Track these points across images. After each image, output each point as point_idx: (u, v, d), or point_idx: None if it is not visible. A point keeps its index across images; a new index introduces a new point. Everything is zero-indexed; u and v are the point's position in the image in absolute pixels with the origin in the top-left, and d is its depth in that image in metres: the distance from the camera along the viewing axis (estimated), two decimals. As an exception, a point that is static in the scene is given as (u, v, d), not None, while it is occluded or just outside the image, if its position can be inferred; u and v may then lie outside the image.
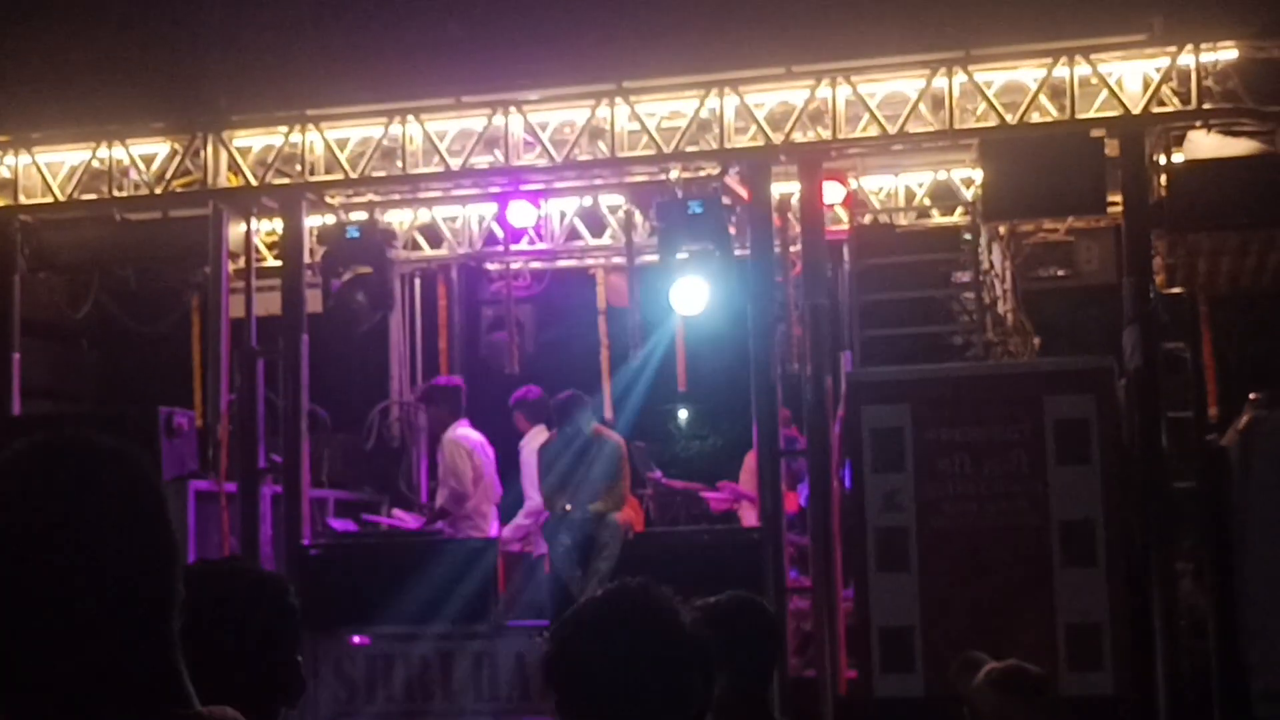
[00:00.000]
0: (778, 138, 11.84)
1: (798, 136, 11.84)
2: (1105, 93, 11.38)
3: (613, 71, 11.97)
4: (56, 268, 13.55)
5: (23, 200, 13.18)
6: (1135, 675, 10.68)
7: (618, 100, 12.04)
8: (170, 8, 12.82)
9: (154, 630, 1.85)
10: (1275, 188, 11.22)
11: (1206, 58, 11.21)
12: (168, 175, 12.93)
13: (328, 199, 13.12)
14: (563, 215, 14.84)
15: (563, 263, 15.28)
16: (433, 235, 15.12)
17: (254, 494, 12.38)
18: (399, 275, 14.70)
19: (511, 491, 13.48)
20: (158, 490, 1.91)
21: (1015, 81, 11.64)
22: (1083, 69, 11.33)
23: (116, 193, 13.05)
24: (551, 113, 12.42)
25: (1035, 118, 11.49)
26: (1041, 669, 6.41)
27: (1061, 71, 11.36)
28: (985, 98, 11.54)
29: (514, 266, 15.11)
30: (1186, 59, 11.19)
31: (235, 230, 12.90)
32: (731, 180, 12.47)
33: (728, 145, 11.96)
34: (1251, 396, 10.88)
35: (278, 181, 12.79)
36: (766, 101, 12.00)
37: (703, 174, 12.49)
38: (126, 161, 13.02)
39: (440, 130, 12.53)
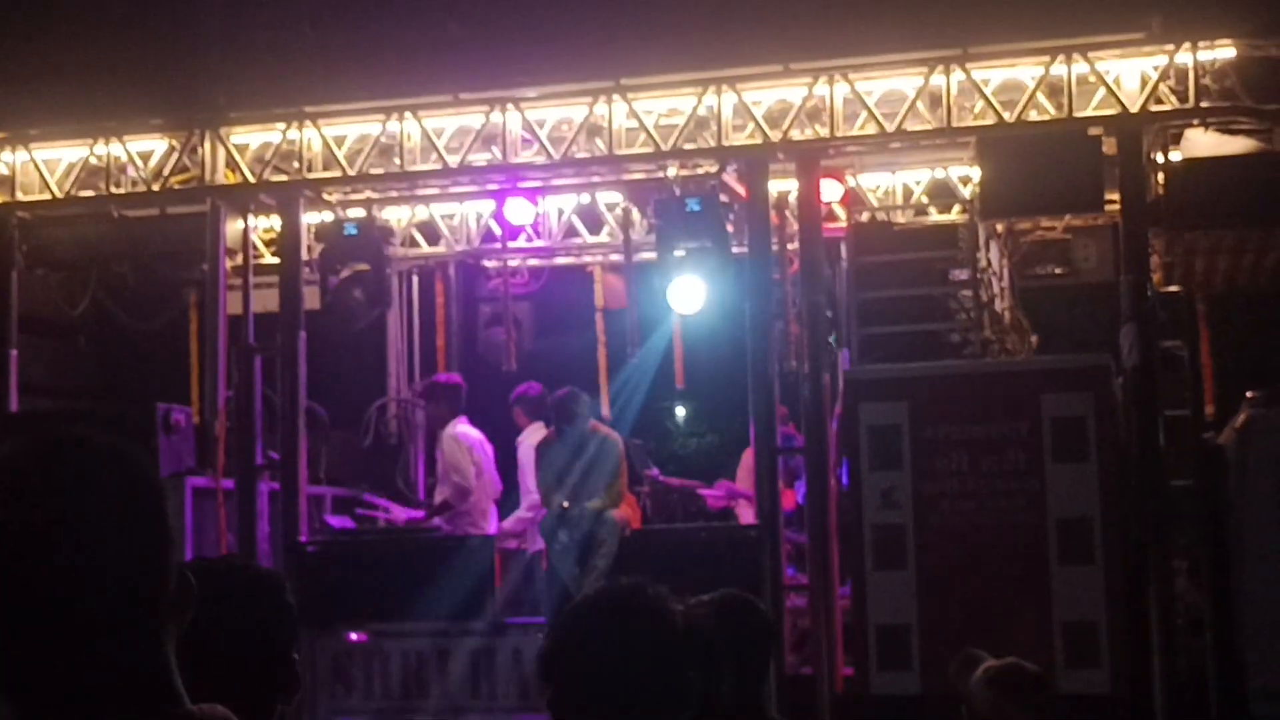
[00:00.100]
0: (775, 135, 11.84)
1: (795, 134, 11.84)
2: (1103, 91, 11.38)
3: (610, 69, 11.97)
4: (54, 264, 13.54)
5: (20, 197, 13.18)
6: (1132, 673, 10.69)
7: (615, 98, 12.04)
8: (168, 5, 12.81)
9: (146, 628, 1.85)
10: (1272, 186, 11.23)
11: (1204, 56, 11.21)
12: (165, 172, 12.92)
13: (325, 196, 13.12)
14: (560, 213, 14.84)
15: (560, 260, 15.29)
16: (430, 232, 15.12)
17: (251, 491, 12.38)
18: (397, 272, 14.69)
19: (510, 488, 13.49)
20: (157, 488, 1.91)
21: (1013, 79, 11.64)
22: (1080, 67, 11.33)
23: (114, 189, 13.05)
24: (549, 110, 12.42)
25: (1033, 116, 11.50)
26: (1039, 667, 6.41)
27: (1059, 69, 11.37)
28: (983, 96, 11.54)
29: (512, 264, 15.11)
30: (1184, 57, 11.19)
31: (233, 227, 12.90)
32: (729, 178, 12.47)
33: (725, 143, 11.96)
34: (1248, 395, 10.89)
35: (275, 178, 12.79)
36: (764, 99, 12.01)
37: (700, 172, 12.49)
38: (124, 158, 13.01)
39: (438, 127, 12.53)
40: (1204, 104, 11.23)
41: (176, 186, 12.92)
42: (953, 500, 11.02)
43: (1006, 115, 11.48)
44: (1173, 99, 11.33)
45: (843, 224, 13.43)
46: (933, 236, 13.41)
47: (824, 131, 11.81)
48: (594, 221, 14.86)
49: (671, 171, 12.53)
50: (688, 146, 12.14)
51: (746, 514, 13.64)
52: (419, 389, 14.68)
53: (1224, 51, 11.26)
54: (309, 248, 13.35)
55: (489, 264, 15.31)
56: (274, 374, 12.62)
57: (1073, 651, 10.61)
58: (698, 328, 14.65)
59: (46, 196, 13.14)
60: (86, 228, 13.29)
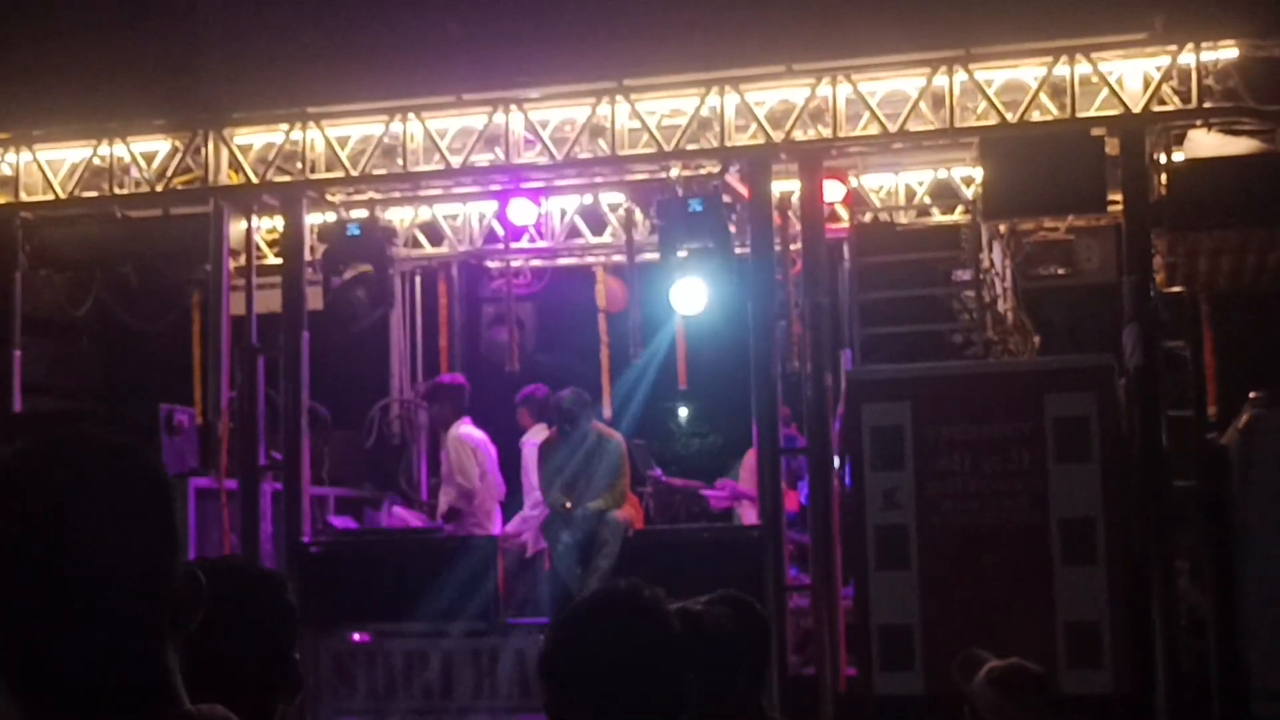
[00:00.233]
0: (778, 136, 11.84)
1: (798, 135, 11.84)
2: (1106, 91, 11.38)
3: (613, 69, 11.97)
4: (57, 265, 13.55)
5: (24, 197, 13.19)
6: (1135, 673, 10.69)
7: (618, 98, 12.04)
8: (171, 6, 12.82)
9: (148, 627, 1.85)
10: (1275, 186, 11.22)
11: (1207, 56, 11.20)
12: (169, 173, 12.93)
13: (328, 197, 13.13)
14: (563, 213, 14.85)
15: (563, 261, 15.29)
16: (433, 233, 15.13)
17: (254, 491, 12.38)
18: (399, 273, 14.71)
19: (513, 488, 13.50)
20: (164, 488, 1.91)
21: (1016, 80, 11.64)
22: (1083, 68, 11.33)
23: (117, 190, 13.06)
24: (552, 110, 12.42)
25: (1036, 116, 11.49)
26: (1041, 667, 6.41)
27: (1062, 70, 11.36)
28: (986, 96, 11.54)
29: (514, 264, 15.12)
30: (1187, 58, 11.18)
31: (236, 228, 12.91)
32: (732, 178, 12.47)
33: (728, 143, 11.96)
34: (1251, 395, 10.88)
35: (278, 179, 12.80)
36: (767, 100, 12.01)
37: (703, 172, 12.49)
38: (127, 159, 13.02)
39: (441, 128, 12.53)
40: (1207, 104, 11.22)
41: (180, 187, 12.92)
42: (955, 501, 11.01)
43: (1009, 116, 11.47)
44: (1175, 99, 11.32)
45: (845, 224, 13.43)
46: (935, 237, 13.42)
47: (827, 132, 11.81)
48: (597, 222, 14.86)
49: (674, 172, 12.53)
50: (690, 147, 12.14)
51: (749, 515, 13.64)
52: (422, 390, 14.69)
53: (1227, 52, 11.25)
54: (312, 248, 13.36)
55: (492, 265, 15.32)
56: (277, 374, 12.63)
57: (1075, 652, 10.60)
58: (700, 328, 14.65)
59: (50, 197, 13.15)
60: (90, 228, 13.30)
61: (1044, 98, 11.50)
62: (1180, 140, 11.67)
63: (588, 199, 14.52)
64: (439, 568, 11.97)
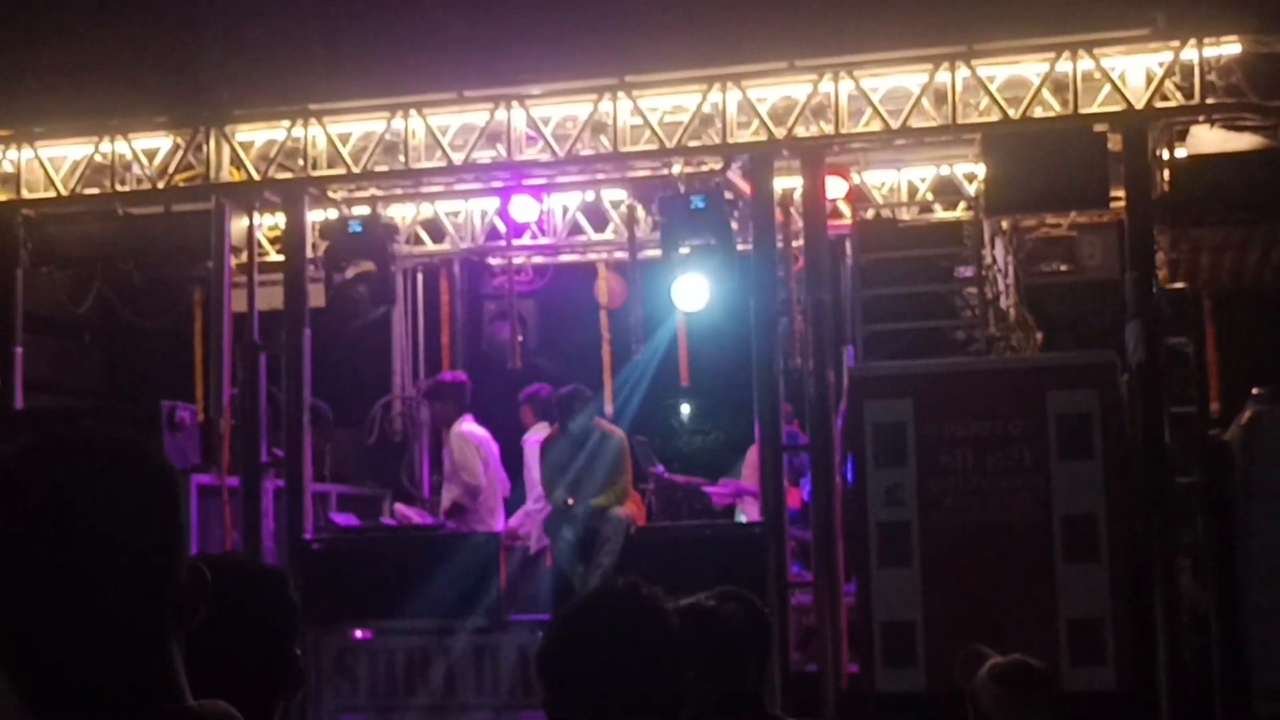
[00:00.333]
0: (780, 132, 11.83)
1: (800, 131, 11.83)
2: (1108, 87, 11.37)
3: (615, 66, 11.96)
4: (59, 262, 13.56)
5: (25, 195, 13.19)
6: (1137, 670, 10.68)
7: (620, 95, 12.03)
8: (173, 2, 12.82)
9: (152, 622, 1.85)
10: (1278, 182, 11.21)
11: (1209, 52, 11.19)
12: (170, 170, 12.93)
13: (330, 193, 13.12)
14: (565, 210, 14.84)
15: (565, 258, 15.29)
16: (435, 230, 15.12)
17: (256, 488, 12.39)
18: (401, 270, 14.70)
19: (515, 486, 13.50)
20: (170, 483, 1.91)
21: (1018, 76, 11.63)
22: (1086, 64, 11.32)
23: (119, 187, 13.06)
24: (554, 107, 12.42)
25: (1038, 112, 11.48)
26: (1044, 664, 6.40)
27: (1064, 66, 11.35)
28: (988, 92, 11.53)
29: (516, 261, 15.11)
30: (1189, 54, 11.17)
31: (238, 225, 12.90)
32: (734, 175, 12.46)
33: (730, 140, 11.95)
34: (1254, 391, 10.88)
35: (280, 176, 12.80)
36: (769, 96, 12.00)
37: (705, 169, 12.48)
38: (129, 156, 13.02)
39: (442, 125, 12.53)
40: (1209, 100, 11.21)
41: (181, 184, 12.92)
42: (958, 497, 11.01)
43: (1011, 112, 11.46)
44: (1178, 95, 11.31)
45: (847, 221, 13.42)
46: (937, 233, 13.41)
47: (829, 128, 11.80)
48: (599, 219, 14.85)
49: (676, 169, 12.52)
50: (692, 144, 12.13)
51: (751, 511, 13.63)
52: (424, 388, 14.68)
53: (1229, 48, 11.24)
54: (314, 245, 13.36)
55: (494, 261, 15.32)
56: (279, 371, 12.62)
57: (1078, 648, 10.60)
58: (702, 325, 14.64)
59: (51, 194, 13.15)
60: (91, 225, 13.30)
61: (1046, 94, 11.49)
62: (1183, 136, 11.67)
63: (589, 196, 14.51)
64: (441, 565, 11.97)
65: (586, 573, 11.63)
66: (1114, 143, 11.42)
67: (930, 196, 14.22)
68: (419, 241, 15.18)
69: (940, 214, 14.20)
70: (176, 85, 12.60)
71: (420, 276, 15.65)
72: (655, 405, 19.39)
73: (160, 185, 12.96)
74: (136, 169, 13.04)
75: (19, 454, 1.86)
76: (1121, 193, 11.51)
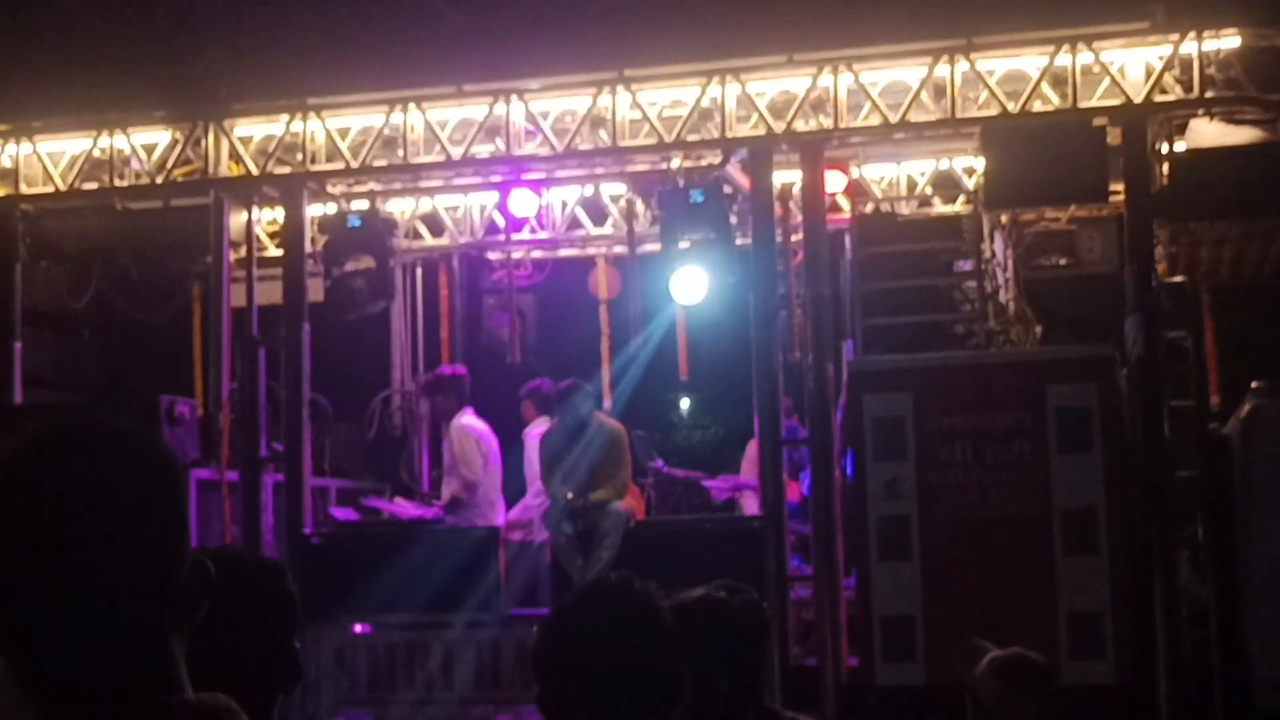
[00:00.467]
0: (779, 126, 11.83)
1: (799, 125, 11.82)
2: (1107, 81, 11.36)
3: (614, 60, 11.95)
4: (58, 257, 13.55)
5: (24, 189, 13.18)
6: (1137, 664, 10.69)
7: (619, 89, 12.03)
8: (171, -4, 12.81)
9: (152, 614, 1.84)
10: (1277, 176, 11.20)
11: (1209, 46, 11.18)
12: (169, 164, 12.92)
13: (329, 188, 13.12)
14: (564, 204, 14.84)
15: (564, 252, 15.29)
16: (434, 224, 15.12)
17: (256, 483, 12.38)
18: (400, 264, 14.70)
19: (513, 480, 13.50)
20: (173, 476, 1.90)
21: (1017, 70, 11.62)
22: (1085, 57, 11.31)
23: (118, 182, 13.05)
24: (553, 101, 12.41)
25: (1037, 106, 11.48)
26: (1043, 657, 6.40)
27: (1063, 60, 11.34)
28: (987, 86, 11.52)
29: (515, 255, 15.11)
30: (1189, 47, 11.17)
31: (236, 219, 12.90)
32: (733, 169, 12.46)
33: (729, 134, 11.94)
34: (1253, 385, 10.88)
35: (279, 170, 12.79)
36: (768, 90, 11.99)
37: (704, 163, 12.48)
38: (127, 150, 13.01)
39: (441, 119, 12.52)
40: (1209, 94, 11.20)
41: (180, 179, 12.92)
42: (957, 491, 11.01)
43: (1011, 106, 11.46)
44: (1177, 89, 11.30)
45: (847, 215, 13.42)
46: (937, 227, 13.40)
47: (828, 122, 11.79)
48: (598, 213, 14.85)
49: (675, 163, 12.52)
50: (691, 138, 12.13)
51: (751, 505, 13.63)
52: (423, 383, 14.68)
53: (1229, 41, 11.23)
54: (312, 240, 13.36)
55: (493, 256, 15.32)
56: (278, 366, 12.62)
57: (1077, 642, 10.60)
58: (702, 320, 14.64)
59: (50, 189, 13.14)
60: (90, 220, 13.29)
61: (1045, 87, 11.48)
62: (1182, 130, 11.66)
63: (589, 190, 14.51)
64: (440, 559, 11.97)
65: (585, 567, 11.63)
66: (1113, 136, 11.42)
67: (929, 190, 14.22)
68: (418, 236, 15.18)
69: (939, 208, 14.19)
70: (175, 79, 12.59)
71: (419, 271, 15.64)
72: (655, 399, 19.41)
73: (159, 180, 12.95)
74: (135, 163, 13.04)
75: (22, 446, 1.85)
76: (1120, 186, 11.51)
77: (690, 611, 3.85)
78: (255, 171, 12.75)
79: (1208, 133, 11.51)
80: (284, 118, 12.65)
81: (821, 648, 11.30)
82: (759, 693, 4.36)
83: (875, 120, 11.73)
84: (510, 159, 12.53)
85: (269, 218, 13.95)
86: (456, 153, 12.46)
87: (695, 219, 12.15)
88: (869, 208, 13.87)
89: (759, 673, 4.25)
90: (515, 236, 14.63)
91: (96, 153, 13.02)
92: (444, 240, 15.15)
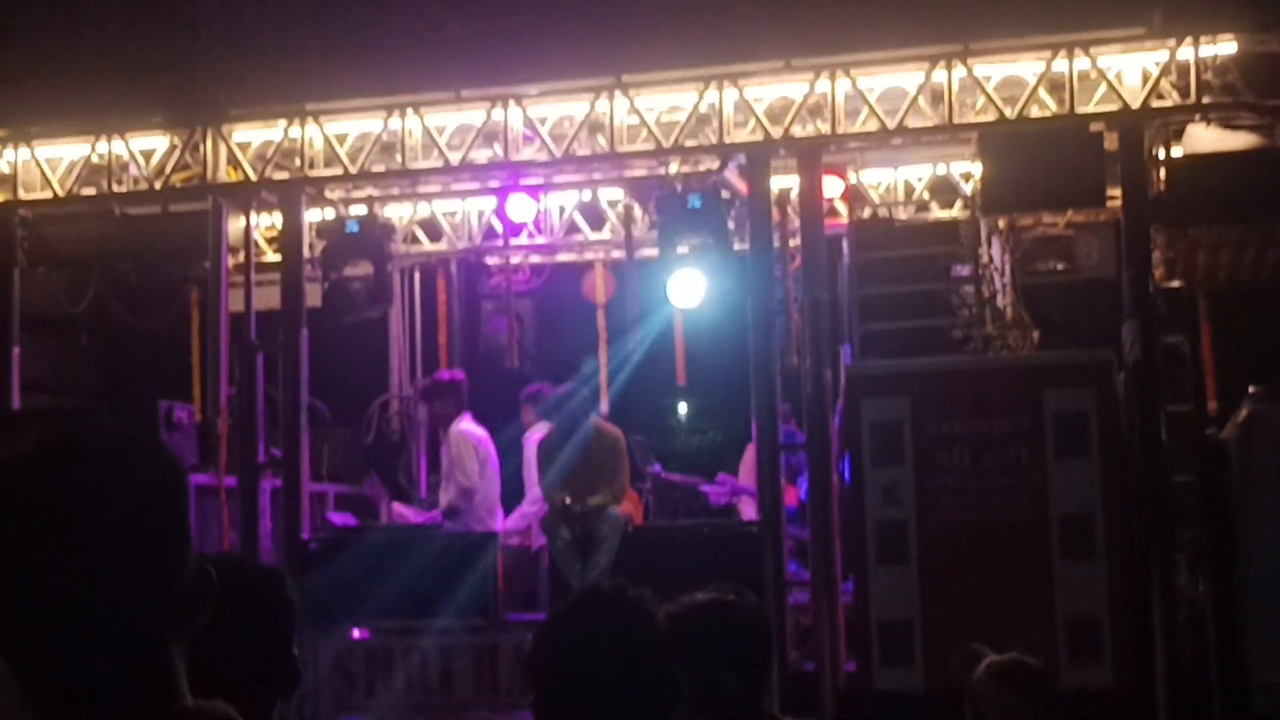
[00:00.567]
0: (777, 132, 11.84)
1: (797, 130, 11.83)
2: (1104, 87, 11.37)
3: (612, 65, 11.96)
4: (56, 262, 13.55)
5: (22, 195, 13.18)
6: (1135, 668, 10.69)
7: (617, 94, 12.04)
8: (170, 2, 12.81)
9: (152, 620, 1.85)
10: (1274, 181, 11.22)
11: (1206, 51, 11.20)
12: (167, 170, 12.92)
13: (327, 193, 13.12)
14: (562, 209, 14.85)
15: (562, 257, 15.29)
16: (432, 229, 15.12)
17: (254, 488, 12.38)
18: (398, 270, 14.70)
19: (511, 485, 13.50)
20: (175, 481, 1.91)
21: (1014, 75, 11.63)
22: (1082, 63, 11.33)
23: (116, 187, 13.05)
24: (551, 107, 12.42)
25: (1034, 112, 11.49)
26: (1041, 662, 6.41)
27: (1061, 65, 11.36)
28: (984, 92, 11.54)
29: (513, 260, 15.12)
30: (1186, 53, 11.18)
31: (235, 225, 12.90)
32: (731, 174, 12.46)
33: (727, 139, 11.95)
34: (1250, 390, 10.89)
35: (277, 176, 12.79)
36: (765, 95, 12.00)
37: (702, 168, 12.48)
38: (126, 156, 13.01)
39: (439, 124, 12.53)
40: (1205, 99, 11.21)
41: (178, 184, 12.92)
42: (955, 496, 11.01)
43: (1008, 111, 11.47)
44: (1174, 94, 11.32)
45: (844, 220, 13.42)
46: (934, 233, 13.42)
47: (825, 128, 11.80)
48: (596, 218, 14.86)
49: (673, 168, 12.53)
50: (689, 143, 12.13)
51: (749, 510, 13.63)
52: (421, 388, 14.68)
53: (1226, 46, 11.25)
54: (311, 245, 13.35)
55: (491, 261, 15.32)
56: (276, 371, 12.62)
57: (1075, 647, 10.61)
58: (699, 324, 14.65)
59: (48, 194, 13.14)
60: (88, 226, 13.29)
61: (1043, 93, 11.49)
62: (1179, 135, 11.67)
63: (586, 195, 14.52)
64: (439, 564, 11.96)
65: (584, 572, 11.63)
66: (1110, 142, 11.43)
67: (927, 195, 14.23)
68: (416, 241, 15.18)
69: (937, 213, 14.20)
70: (173, 85, 12.60)
71: (417, 276, 15.65)
72: (653, 404, 19.40)
73: (157, 185, 12.96)
74: (133, 169, 13.04)
75: (24, 451, 1.86)
76: (1118, 192, 11.52)
77: (700, 613, 3.86)
78: (253, 177, 12.75)
79: (1205, 138, 11.53)
80: (282, 123, 12.66)
81: (819, 652, 11.30)
82: (759, 698, 4.37)
83: (873, 126, 11.75)
84: (508, 164, 12.54)
85: (267, 223, 13.96)
86: (454, 158, 12.47)
87: (693, 224, 12.16)
88: (867, 213, 13.88)
89: (767, 675, 4.25)
90: (513, 242, 14.64)
91: (95, 158, 13.02)
92: (442, 245, 15.15)
